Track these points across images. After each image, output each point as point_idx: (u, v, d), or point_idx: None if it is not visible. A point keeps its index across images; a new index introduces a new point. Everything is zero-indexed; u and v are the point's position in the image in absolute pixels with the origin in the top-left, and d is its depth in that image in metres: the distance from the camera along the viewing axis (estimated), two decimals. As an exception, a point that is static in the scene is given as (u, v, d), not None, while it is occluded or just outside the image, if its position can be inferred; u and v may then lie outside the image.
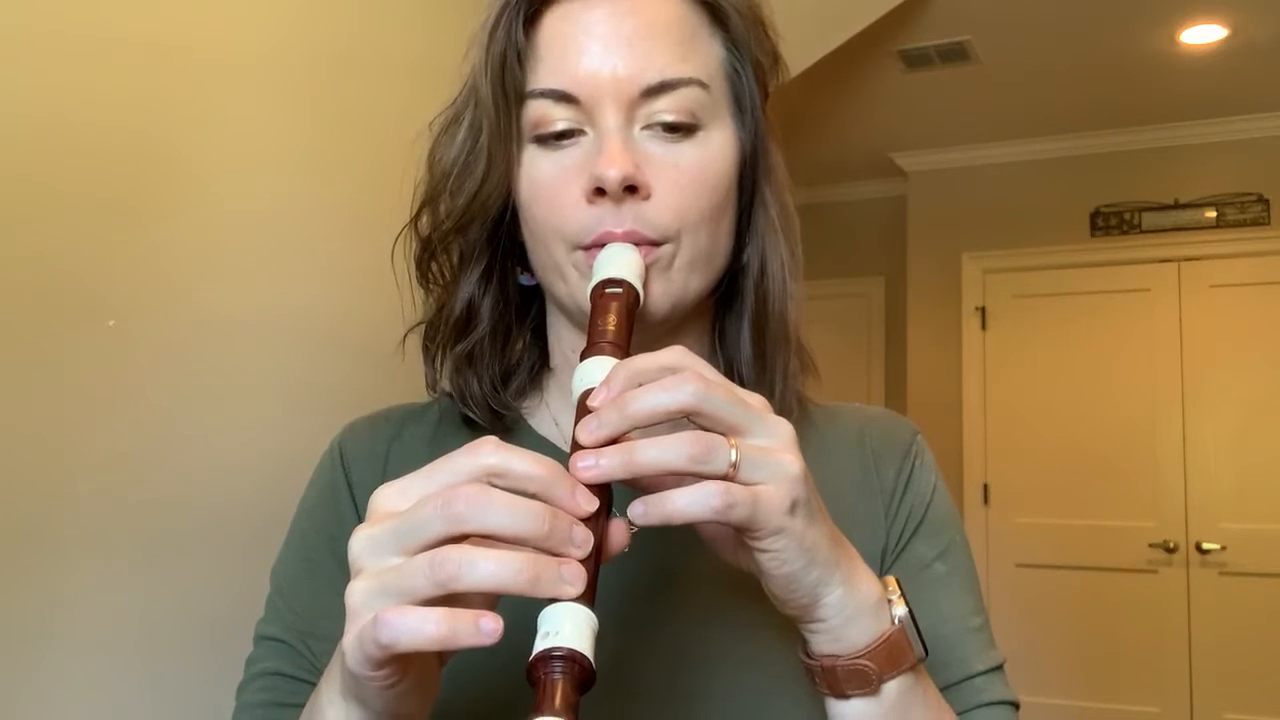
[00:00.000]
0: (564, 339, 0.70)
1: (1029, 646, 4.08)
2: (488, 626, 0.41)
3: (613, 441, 0.47)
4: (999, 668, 0.67)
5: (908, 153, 4.61)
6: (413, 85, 1.35)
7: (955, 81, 3.75)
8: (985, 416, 4.41)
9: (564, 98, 0.62)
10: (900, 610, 0.54)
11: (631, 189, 0.60)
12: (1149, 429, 4.12)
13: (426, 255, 0.70)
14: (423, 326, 0.72)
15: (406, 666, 0.45)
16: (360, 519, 0.47)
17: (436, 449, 0.70)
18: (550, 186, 0.62)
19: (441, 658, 0.50)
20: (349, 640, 0.44)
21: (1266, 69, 3.58)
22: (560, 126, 0.62)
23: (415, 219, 0.70)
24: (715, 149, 0.64)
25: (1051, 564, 4.22)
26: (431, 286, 0.71)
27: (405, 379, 0.86)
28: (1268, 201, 4.06)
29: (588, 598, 0.44)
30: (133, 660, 1.18)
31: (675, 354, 0.50)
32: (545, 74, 0.62)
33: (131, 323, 1.19)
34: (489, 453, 0.45)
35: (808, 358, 0.72)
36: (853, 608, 0.52)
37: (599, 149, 0.61)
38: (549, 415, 0.72)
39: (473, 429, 0.71)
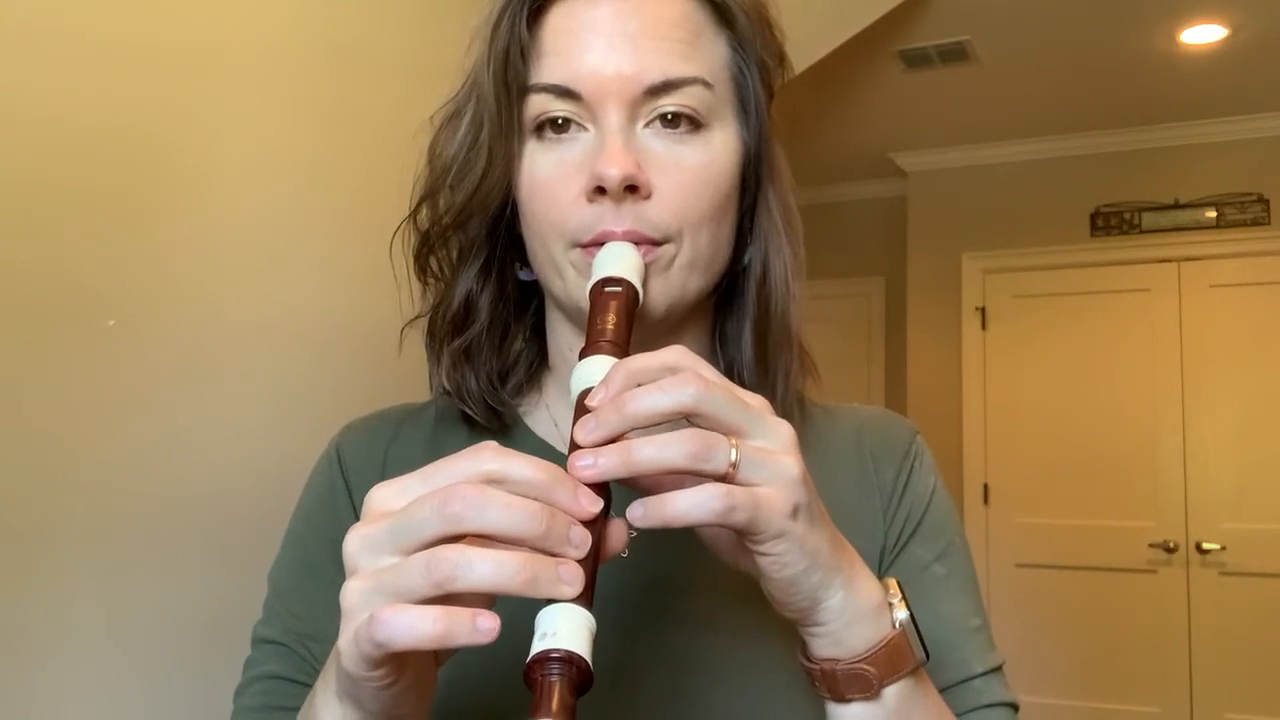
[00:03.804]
0: (562, 337, 0.70)
1: (1029, 646, 4.08)
2: (485, 625, 0.41)
3: (611, 441, 0.47)
4: (998, 669, 0.67)
5: (908, 153, 4.61)
6: (412, 85, 1.35)
7: (955, 81, 3.75)
8: (985, 416, 4.41)
9: (566, 93, 0.61)
10: (901, 614, 0.54)
11: (632, 188, 0.60)
12: (1149, 429, 4.12)
13: (425, 250, 0.69)
14: (423, 321, 0.72)
15: (403, 666, 0.45)
16: (358, 520, 0.47)
17: (434, 449, 0.70)
18: (550, 183, 0.62)
19: (438, 658, 0.50)
20: (345, 640, 0.44)
21: (1266, 69, 3.57)
22: (560, 115, 0.62)
23: (414, 213, 0.69)
24: (718, 149, 0.63)
25: (1051, 564, 4.22)
26: (430, 281, 0.71)
27: (403, 378, 0.86)
28: (1268, 201, 4.06)
29: (586, 599, 0.44)
30: (131, 660, 1.18)
31: (675, 353, 0.49)
32: (548, 70, 0.62)
33: (131, 323, 1.18)
34: (488, 458, 0.45)
35: (808, 358, 0.71)
36: (853, 611, 0.52)
37: (601, 147, 0.60)
38: (547, 415, 0.71)
39: (471, 428, 0.70)
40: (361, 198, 1.44)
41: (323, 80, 1.48)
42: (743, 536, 0.48)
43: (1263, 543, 3.92)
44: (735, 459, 0.46)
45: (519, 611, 0.44)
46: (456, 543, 0.43)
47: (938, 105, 4.02)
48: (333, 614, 0.45)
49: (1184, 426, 4.08)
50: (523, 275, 0.70)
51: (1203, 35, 3.35)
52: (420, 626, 0.41)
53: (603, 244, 0.60)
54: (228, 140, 1.32)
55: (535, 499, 0.44)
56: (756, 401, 0.50)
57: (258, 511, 1.27)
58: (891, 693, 0.53)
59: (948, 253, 4.56)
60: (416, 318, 0.72)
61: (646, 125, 0.62)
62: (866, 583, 0.53)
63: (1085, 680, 4.12)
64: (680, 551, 0.63)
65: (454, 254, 0.69)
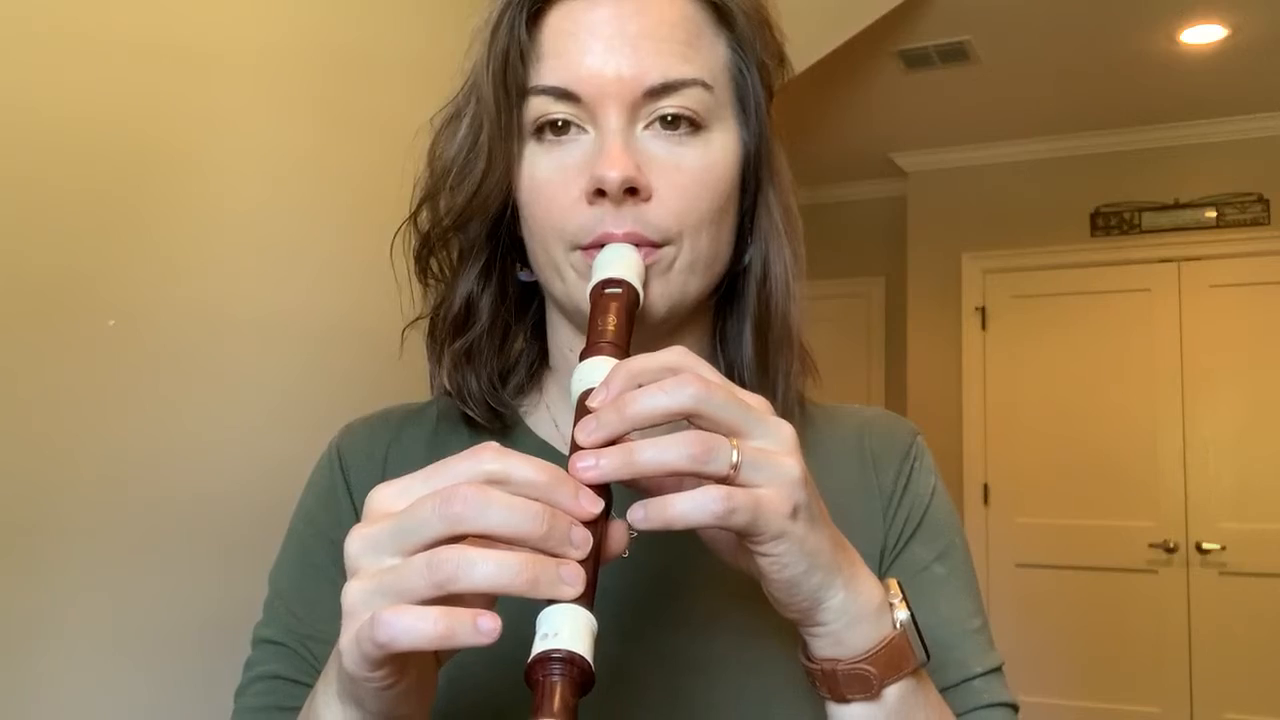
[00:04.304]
0: (563, 337, 0.70)
1: (1029, 646, 4.08)
2: (486, 625, 0.41)
3: (612, 443, 0.47)
4: (998, 669, 0.66)
5: (908, 153, 4.61)
6: (412, 85, 1.35)
7: (955, 81, 3.75)
8: (985, 416, 4.41)
9: (565, 95, 0.61)
10: (902, 614, 0.54)
11: (632, 190, 0.60)
12: (1149, 429, 4.12)
13: (426, 251, 0.70)
14: (424, 322, 0.72)
15: (404, 667, 0.45)
16: (359, 521, 0.47)
17: (435, 450, 0.70)
18: (550, 185, 0.62)
19: (439, 658, 0.50)
20: (346, 640, 0.44)
21: (1266, 69, 3.57)
22: (560, 117, 0.62)
23: (415, 215, 0.69)
24: (718, 150, 0.63)
25: (1051, 564, 4.22)
26: (430, 282, 0.71)
27: (402, 378, 0.86)
28: (1268, 201, 4.06)
29: (587, 599, 0.43)
30: (132, 660, 1.18)
31: (675, 354, 0.49)
32: (547, 72, 0.62)
33: (131, 323, 1.18)
34: (490, 459, 0.45)
35: (809, 359, 0.71)
36: (854, 612, 0.52)
37: (600, 149, 0.60)
38: (548, 416, 0.71)
39: (472, 428, 0.70)
40: (362, 197, 1.44)
41: (323, 80, 1.48)
42: (743, 537, 0.48)
43: (1263, 543, 3.92)
44: (736, 460, 0.46)
45: (521, 612, 0.44)
46: (458, 544, 0.43)
47: (938, 105, 4.02)
48: (334, 614, 0.45)
49: (1184, 426, 4.08)
50: (523, 276, 0.70)
51: (1203, 35, 3.35)
52: (422, 627, 0.41)
53: (603, 246, 0.60)
54: (228, 140, 1.32)
55: (536, 500, 0.44)
56: (757, 402, 0.50)
57: (258, 511, 1.27)
58: (892, 693, 0.53)
59: (948, 253, 4.56)
60: (417, 319, 0.72)
61: (646, 127, 0.62)
62: (867, 583, 0.53)
63: (1085, 680, 4.12)
64: (681, 552, 0.63)
65: (454, 255, 0.69)
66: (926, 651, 0.54)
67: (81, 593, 1.12)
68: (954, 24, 3.30)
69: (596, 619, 0.44)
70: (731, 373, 0.69)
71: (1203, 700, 3.95)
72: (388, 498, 0.46)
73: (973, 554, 0.72)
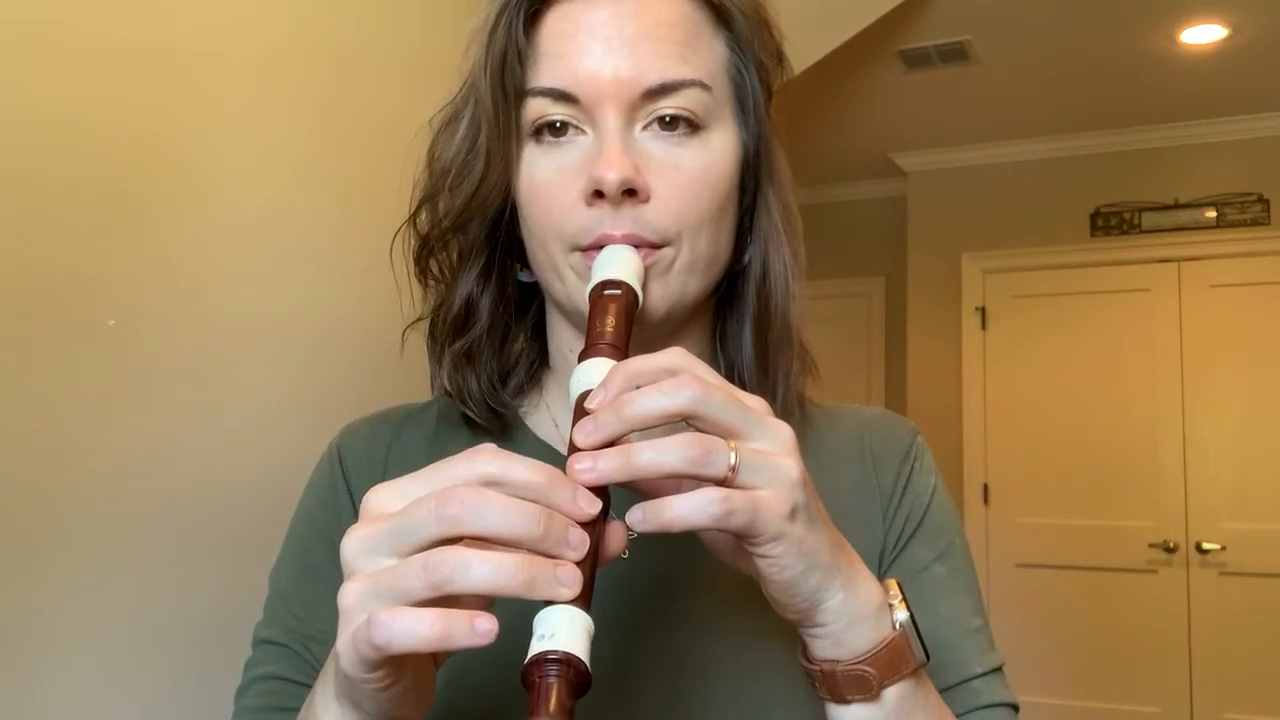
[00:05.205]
0: (563, 338, 0.70)
1: (1029, 646, 4.08)
2: (483, 627, 0.41)
3: (610, 444, 0.47)
4: (998, 669, 0.66)
5: (908, 153, 4.61)
6: (412, 84, 1.35)
7: (955, 81, 3.75)
8: (985, 416, 4.41)
9: (564, 97, 0.61)
10: (902, 615, 0.53)
11: (631, 192, 0.60)
12: (1149, 428, 4.12)
13: (425, 252, 0.70)
14: (424, 323, 0.72)
15: (402, 668, 0.45)
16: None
17: (436, 450, 0.70)
18: (549, 187, 0.62)
19: (437, 660, 0.50)
20: (343, 642, 0.44)
21: (1266, 69, 3.57)
22: (558, 119, 0.62)
23: (414, 216, 0.69)
24: (717, 150, 0.63)
25: (1051, 564, 4.22)
26: (430, 284, 0.71)
27: (402, 377, 0.86)
28: (1268, 201, 4.06)
29: (584, 600, 0.43)
30: (132, 660, 1.18)
31: (674, 356, 0.49)
32: (545, 73, 0.62)
33: (131, 322, 1.18)
34: (487, 460, 0.45)
35: (809, 358, 0.71)
36: (853, 613, 0.52)
37: (599, 150, 0.60)
38: (548, 416, 0.71)
39: (472, 429, 0.70)
40: (362, 197, 1.44)
41: (323, 80, 1.48)
42: (741, 539, 0.48)
43: (1263, 543, 3.92)
44: (734, 463, 0.46)
45: (519, 614, 0.44)
46: (454, 545, 0.43)
47: (938, 105, 4.02)
48: (334, 615, 0.45)
49: (1184, 426, 4.08)
50: (523, 277, 0.70)
51: (1203, 35, 3.35)
52: (418, 629, 0.41)
53: (602, 247, 0.60)
54: (228, 140, 1.32)
55: (533, 501, 0.44)
56: (755, 403, 0.50)
57: (258, 511, 1.27)
58: (892, 694, 0.53)
59: (948, 253, 4.56)
60: (418, 320, 0.72)
61: (645, 128, 0.61)
62: (866, 584, 0.53)
63: (1085, 680, 4.12)
64: (680, 554, 0.63)
65: (454, 256, 0.69)
66: (926, 652, 0.54)
67: (81, 592, 1.12)
68: (954, 24, 3.30)
69: (594, 620, 0.44)
70: (731, 373, 0.69)
71: (1203, 700, 3.95)
72: (385, 499, 0.46)
73: (973, 554, 0.72)
